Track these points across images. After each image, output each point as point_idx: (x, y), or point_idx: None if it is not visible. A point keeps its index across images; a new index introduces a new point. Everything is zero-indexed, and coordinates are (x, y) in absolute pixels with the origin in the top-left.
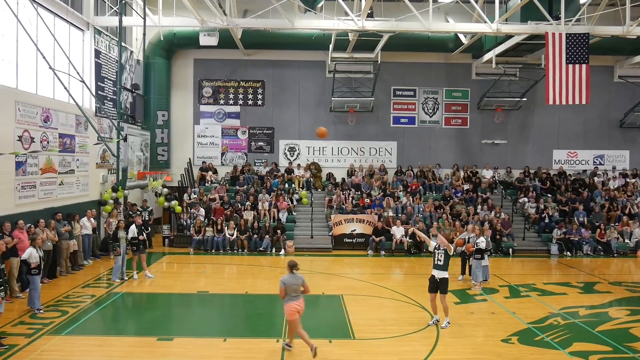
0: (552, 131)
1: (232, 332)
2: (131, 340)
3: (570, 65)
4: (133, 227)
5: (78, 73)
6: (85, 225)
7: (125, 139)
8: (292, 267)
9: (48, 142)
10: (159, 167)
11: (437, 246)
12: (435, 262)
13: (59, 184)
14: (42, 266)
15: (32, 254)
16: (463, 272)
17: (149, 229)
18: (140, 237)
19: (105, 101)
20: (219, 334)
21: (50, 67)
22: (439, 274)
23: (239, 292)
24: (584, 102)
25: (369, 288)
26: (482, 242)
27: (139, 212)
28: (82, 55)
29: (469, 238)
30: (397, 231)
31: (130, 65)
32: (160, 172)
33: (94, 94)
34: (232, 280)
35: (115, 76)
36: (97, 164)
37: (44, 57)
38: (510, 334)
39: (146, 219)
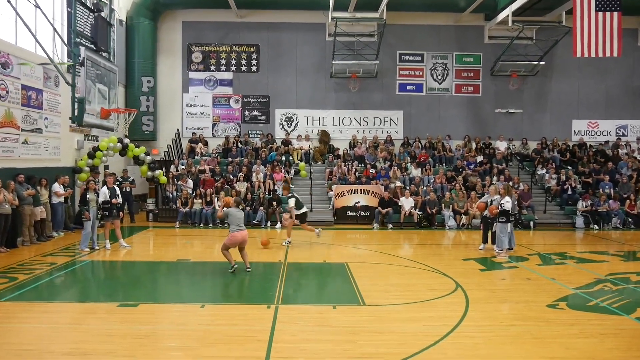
0: (572, 99)
1: (213, 298)
2: (85, 307)
3: (600, 13)
4: (104, 189)
5: (46, 17)
6: (56, 192)
7: (82, 64)
8: (239, 203)
9: (7, 92)
10: (144, 138)
11: None
12: None
13: (22, 143)
14: None
15: None
16: (485, 241)
17: (132, 202)
18: (113, 201)
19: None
20: (197, 300)
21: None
22: None
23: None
24: (615, 54)
25: (377, 256)
26: (507, 203)
27: (118, 183)
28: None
29: (491, 201)
30: (406, 202)
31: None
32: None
33: (62, 38)
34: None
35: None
36: (70, 126)
37: None
38: (556, 300)
39: (127, 190)
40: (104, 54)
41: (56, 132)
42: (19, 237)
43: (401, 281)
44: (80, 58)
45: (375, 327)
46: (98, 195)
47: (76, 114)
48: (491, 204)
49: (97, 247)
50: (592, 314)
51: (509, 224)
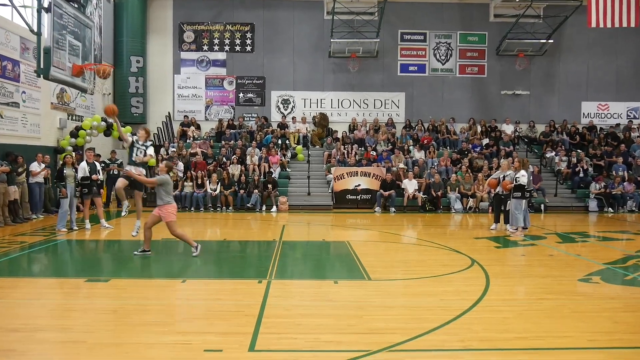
0: (580, 81)
1: (196, 274)
2: (47, 282)
3: None
4: (84, 164)
5: None
6: (32, 171)
7: (48, 10)
8: (171, 168)
9: None
10: (133, 121)
11: None
12: None
13: None
14: None
15: None
16: (497, 220)
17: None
18: (94, 177)
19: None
20: (178, 275)
21: None
22: None
23: (214, 239)
24: (632, 24)
25: (381, 235)
26: (523, 177)
27: (105, 164)
28: None
29: (503, 177)
30: (409, 185)
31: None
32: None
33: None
34: (210, 229)
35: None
36: (52, 104)
37: None
38: (588, 274)
39: (114, 173)
40: (74, 4)
41: (35, 108)
42: None
43: (409, 258)
44: (46, 2)
45: (384, 301)
46: (76, 171)
47: (42, 66)
48: (503, 179)
49: (75, 228)
50: (633, 288)
51: (524, 201)
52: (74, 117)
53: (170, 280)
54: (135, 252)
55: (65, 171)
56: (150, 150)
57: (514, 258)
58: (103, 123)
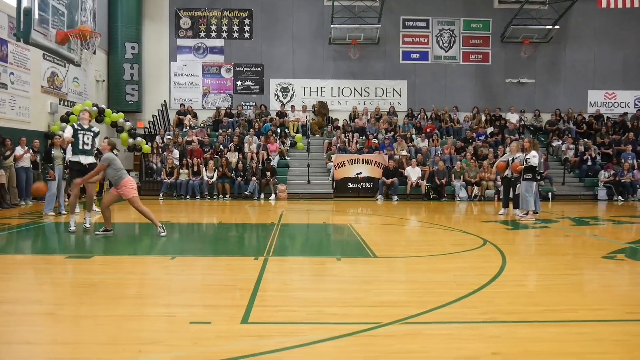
0: (587, 69)
1: (187, 252)
2: (27, 258)
3: None
4: (69, 128)
5: None
6: (15, 155)
7: None
8: (114, 145)
9: None
10: (128, 109)
11: None
12: None
13: None
14: None
15: None
16: (505, 205)
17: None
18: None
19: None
20: (167, 253)
21: None
22: None
23: (209, 222)
24: None
25: (386, 219)
26: (534, 158)
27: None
28: None
29: (512, 159)
30: (413, 173)
31: None
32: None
33: None
34: (206, 215)
35: None
36: (42, 87)
37: None
38: (611, 252)
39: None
40: None
41: (25, 90)
42: None
43: (416, 238)
44: None
45: (393, 276)
46: (65, 152)
47: (22, 28)
48: (512, 162)
49: (64, 212)
50: None
51: (535, 183)
52: (65, 103)
53: (158, 257)
54: (97, 232)
55: (53, 152)
56: (68, 133)
57: (528, 238)
58: (94, 108)
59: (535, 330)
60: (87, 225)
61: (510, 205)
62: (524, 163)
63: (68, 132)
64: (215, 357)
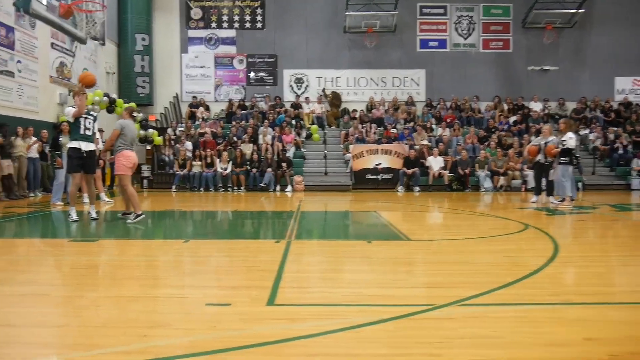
0: (613, 54)
1: (201, 235)
2: (26, 241)
3: None
4: (69, 109)
5: None
6: (29, 145)
7: None
8: (132, 111)
9: None
10: (139, 101)
11: None
12: None
13: None
14: None
15: None
16: (537, 192)
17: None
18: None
19: None
20: (179, 236)
21: None
22: None
23: (224, 210)
24: None
25: (412, 207)
26: (570, 139)
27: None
28: None
29: (545, 143)
30: (435, 162)
31: None
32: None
33: None
34: (220, 204)
35: None
36: (51, 77)
37: None
38: None
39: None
40: None
41: (32, 79)
42: None
43: (451, 223)
44: None
45: (434, 258)
46: None
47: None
48: (545, 146)
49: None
50: None
51: (572, 167)
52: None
53: (170, 240)
54: (129, 221)
55: (60, 139)
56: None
57: (572, 223)
58: (105, 98)
59: (630, 313)
60: (94, 216)
61: (543, 193)
62: (559, 146)
63: (71, 110)
64: (239, 342)
